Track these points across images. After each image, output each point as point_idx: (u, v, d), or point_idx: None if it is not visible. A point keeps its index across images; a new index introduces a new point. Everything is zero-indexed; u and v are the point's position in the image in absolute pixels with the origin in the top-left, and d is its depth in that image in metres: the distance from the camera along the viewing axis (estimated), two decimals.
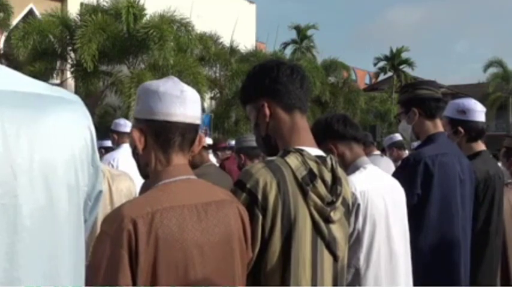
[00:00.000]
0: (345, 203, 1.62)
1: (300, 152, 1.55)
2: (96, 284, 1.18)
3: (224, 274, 1.36)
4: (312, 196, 1.51)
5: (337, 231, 1.58)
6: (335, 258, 1.57)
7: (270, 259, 1.48)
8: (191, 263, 1.28)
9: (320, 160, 1.58)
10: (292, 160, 1.53)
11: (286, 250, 1.48)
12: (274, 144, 1.66)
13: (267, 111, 1.64)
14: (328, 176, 1.57)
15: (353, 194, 1.95)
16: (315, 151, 1.61)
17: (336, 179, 1.59)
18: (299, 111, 1.65)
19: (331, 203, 1.55)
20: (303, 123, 1.65)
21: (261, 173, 1.49)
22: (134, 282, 1.20)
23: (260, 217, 1.47)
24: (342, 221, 1.60)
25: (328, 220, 1.54)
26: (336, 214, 1.56)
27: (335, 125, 2.14)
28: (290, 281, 1.48)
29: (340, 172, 1.62)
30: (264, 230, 1.47)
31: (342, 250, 1.60)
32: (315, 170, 1.54)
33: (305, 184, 1.51)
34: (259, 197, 1.46)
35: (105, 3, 14.67)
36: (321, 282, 1.53)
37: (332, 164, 1.60)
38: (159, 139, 1.40)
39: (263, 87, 1.64)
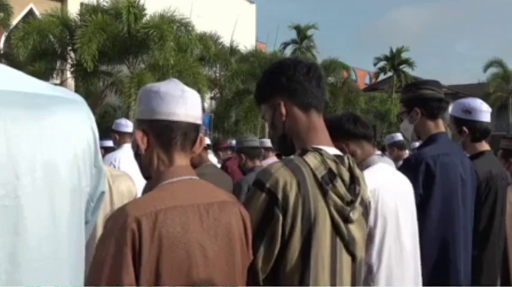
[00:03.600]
0: (363, 202, 1.60)
1: (319, 151, 1.53)
2: (100, 282, 1.19)
3: (225, 275, 1.36)
4: (332, 195, 1.49)
5: (356, 231, 1.56)
6: (353, 258, 1.56)
7: (289, 259, 1.46)
8: (194, 263, 1.29)
9: (338, 159, 1.56)
10: (312, 159, 1.51)
11: (306, 250, 1.46)
12: (290, 143, 1.64)
13: (284, 111, 1.61)
14: (346, 176, 1.55)
15: None
16: (332, 150, 1.59)
17: (354, 179, 1.57)
18: (315, 111, 1.63)
19: (351, 203, 1.53)
20: (319, 123, 1.63)
21: (280, 172, 1.47)
22: (137, 280, 1.21)
23: (280, 218, 1.44)
24: (361, 220, 1.59)
25: (347, 220, 1.52)
26: (355, 214, 1.54)
27: (345, 125, 2.13)
28: (309, 281, 1.46)
29: (358, 171, 1.61)
30: (284, 231, 1.45)
31: (361, 250, 1.59)
32: (334, 169, 1.52)
33: (325, 184, 1.49)
34: (280, 197, 1.44)
35: (105, 3, 14.67)
36: (340, 282, 1.52)
37: (350, 163, 1.58)
38: (162, 139, 1.41)
39: (280, 86, 1.62)
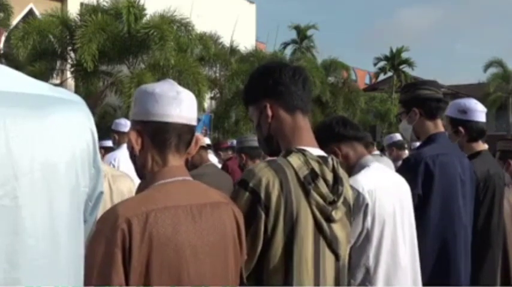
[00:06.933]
0: (346, 202, 1.64)
1: (302, 152, 1.57)
2: (90, 281, 1.19)
3: (217, 276, 1.38)
4: (313, 195, 1.53)
5: (339, 230, 1.60)
6: (337, 257, 1.59)
7: (272, 257, 1.50)
8: (184, 264, 1.30)
9: (322, 160, 1.60)
10: (295, 160, 1.55)
11: (289, 249, 1.50)
12: (276, 144, 1.68)
13: (269, 112, 1.66)
14: (329, 176, 1.59)
15: (360, 194, 1.97)
16: (316, 151, 1.63)
17: (337, 179, 1.61)
18: (301, 112, 1.67)
19: (333, 203, 1.57)
20: (305, 124, 1.68)
21: (263, 172, 1.51)
22: (127, 280, 1.22)
23: (263, 216, 1.48)
24: (344, 220, 1.62)
25: (329, 219, 1.56)
26: (338, 213, 1.58)
27: (335, 128, 2.17)
28: (293, 280, 1.49)
29: (341, 172, 1.64)
30: (266, 229, 1.49)
31: (344, 249, 1.62)
32: (317, 169, 1.56)
33: (307, 183, 1.53)
34: (262, 196, 1.48)
35: (105, 3, 14.65)
36: (324, 281, 1.55)
37: (333, 164, 1.62)
38: (156, 140, 1.42)
39: (266, 89, 1.67)
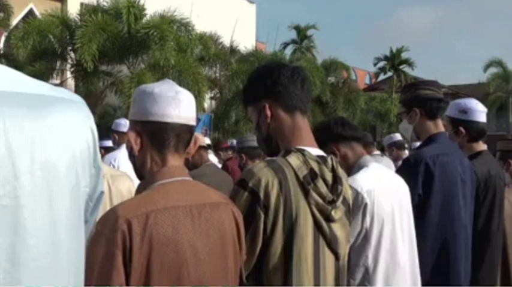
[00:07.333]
0: (345, 202, 1.64)
1: (302, 151, 1.58)
2: (90, 282, 1.20)
3: (217, 275, 1.38)
4: (313, 194, 1.53)
5: (338, 230, 1.60)
6: (336, 256, 1.60)
7: (272, 257, 1.50)
8: (184, 264, 1.31)
9: (321, 159, 1.60)
10: (294, 160, 1.55)
11: (288, 248, 1.50)
12: (275, 144, 1.69)
13: (268, 113, 1.67)
14: (329, 176, 1.60)
15: (359, 193, 1.97)
16: (316, 151, 1.64)
17: (336, 179, 1.61)
18: (300, 112, 1.68)
19: (332, 202, 1.57)
20: (304, 124, 1.68)
21: (263, 172, 1.51)
22: (128, 281, 1.23)
23: (262, 215, 1.49)
24: (343, 220, 1.63)
25: (329, 219, 1.57)
26: (337, 213, 1.59)
27: (334, 128, 2.18)
28: (293, 279, 1.50)
29: (340, 171, 1.65)
30: (265, 229, 1.50)
31: (343, 249, 1.63)
32: (316, 169, 1.57)
33: (306, 183, 1.53)
34: (261, 195, 1.49)
35: (105, 3, 14.65)
36: (324, 280, 1.55)
37: (333, 164, 1.63)
38: (155, 140, 1.43)
39: (264, 89, 1.68)
